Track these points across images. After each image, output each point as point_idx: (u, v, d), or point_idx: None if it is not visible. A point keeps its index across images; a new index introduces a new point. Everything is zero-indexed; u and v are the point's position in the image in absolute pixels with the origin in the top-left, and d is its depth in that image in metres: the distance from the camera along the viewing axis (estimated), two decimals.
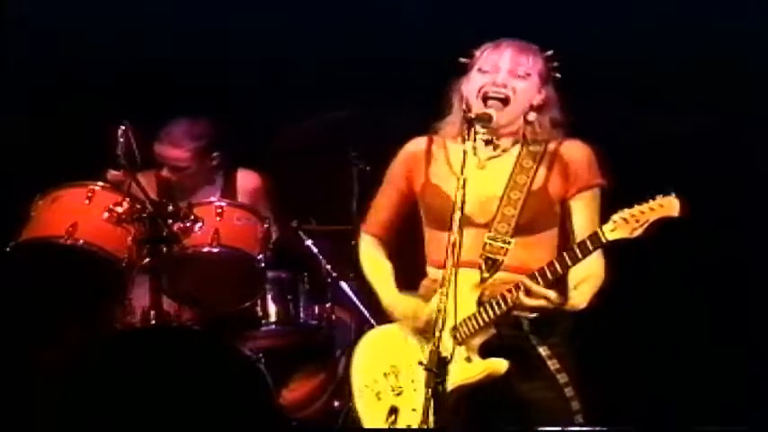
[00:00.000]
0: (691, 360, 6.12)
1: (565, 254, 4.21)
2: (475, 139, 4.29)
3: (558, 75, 4.50)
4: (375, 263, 4.65)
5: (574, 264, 4.20)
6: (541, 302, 4.23)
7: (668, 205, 4.09)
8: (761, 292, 5.99)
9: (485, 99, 4.40)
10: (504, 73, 4.40)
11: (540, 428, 4.30)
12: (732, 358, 6.05)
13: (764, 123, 5.97)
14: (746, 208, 6.02)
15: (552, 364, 4.38)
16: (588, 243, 4.17)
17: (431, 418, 4.04)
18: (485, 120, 4.34)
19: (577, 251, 4.18)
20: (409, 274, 4.65)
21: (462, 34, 4.63)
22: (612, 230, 4.13)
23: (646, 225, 4.09)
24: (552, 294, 4.23)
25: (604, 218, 4.22)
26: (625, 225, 4.11)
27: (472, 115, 4.32)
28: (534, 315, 4.31)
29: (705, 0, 5.94)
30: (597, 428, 4.27)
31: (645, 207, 4.11)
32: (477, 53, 4.48)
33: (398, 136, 5.12)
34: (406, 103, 5.84)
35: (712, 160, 6.04)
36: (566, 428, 4.32)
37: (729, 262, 6.06)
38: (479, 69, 4.43)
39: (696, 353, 6.11)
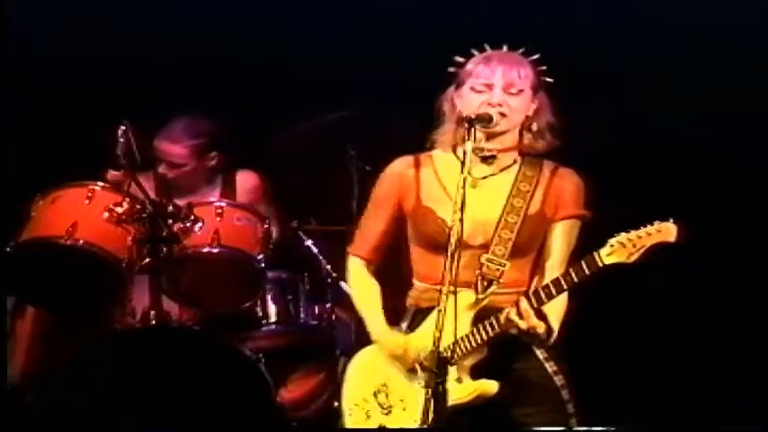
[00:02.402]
0: (694, 362, 6.14)
1: (560, 277, 4.22)
2: (475, 139, 4.28)
3: (548, 79, 4.48)
4: (364, 290, 4.61)
5: (569, 286, 4.21)
6: (523, 325, 4.24)
7: (665, 231, 4.10)
8: (759, 295, 6.00)
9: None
10: (499, 90, 4.37)
11: (553, 428, 4.31)
12: (735, 358, 6.06)
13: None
14: (747, 211, 6.04)
15: (549, 366, 4.38)
16: (584, 266, 4.18)
17: (431, 419, 4.04)
18: (485, 120, 4.33)
19: (573, 274, 4.20)
20: (393, 284, 4.64)
21: (462, 34, 4.63)
22: (609, 254, 4.14)
23: (642, 250, 4.11)
24: (538, 323, 4.24)
25: (596, 243, 4.22)
26: (622, 249, 4.12)
27: (472, 115, 4.31)
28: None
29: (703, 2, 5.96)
30: (608, 428, 4.27)
31: (642, 232, 4.12)
32: (468, 66, 4.43)
33: (399, 136, 5.12)
34: (407, 103, 5.84)
35: (709, 166, 6.07)
36: (576, 429, 4.33)
37: (728, 266, 6.08)
38: (472, 88, 4.39)
39: (699, 354, 6.12)
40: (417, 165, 4.54)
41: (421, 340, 4.35)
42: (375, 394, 4.48)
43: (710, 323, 6.13)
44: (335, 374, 5.98)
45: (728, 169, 6.06)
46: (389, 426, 4.42)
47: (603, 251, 4.14)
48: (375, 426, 4.46)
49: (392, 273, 4.65)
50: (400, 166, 4.56)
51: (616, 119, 6.03)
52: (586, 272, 4.17)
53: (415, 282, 4.52)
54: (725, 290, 6.09)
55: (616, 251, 4.12)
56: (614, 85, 6.03)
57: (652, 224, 4.12)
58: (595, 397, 4.48)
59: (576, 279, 4.18)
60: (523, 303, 4.23)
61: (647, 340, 6.20)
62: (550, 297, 4.22)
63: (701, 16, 5.95)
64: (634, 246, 4.11)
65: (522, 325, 4.24)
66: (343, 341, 5.95)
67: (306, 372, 6.05)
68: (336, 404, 5.78)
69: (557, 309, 4.33)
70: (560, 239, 4.41)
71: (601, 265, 4.14)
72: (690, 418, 6.01)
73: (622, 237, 4.13)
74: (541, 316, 4.26)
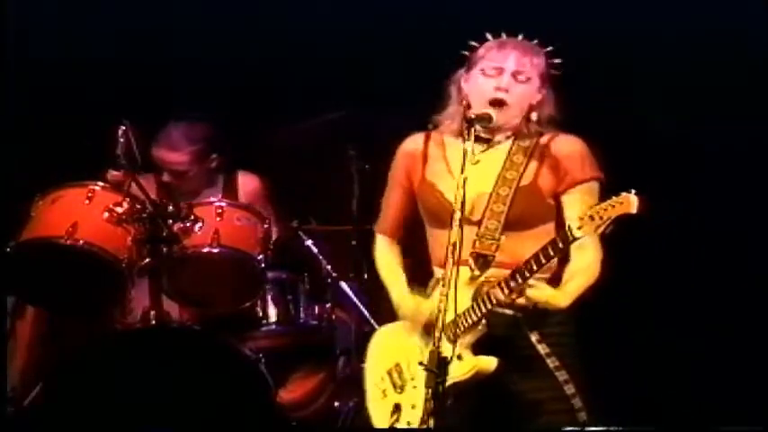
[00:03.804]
0: (700, 357, 6.14)
1: (539, 252, 4.24)
2: (475, 140, 4.30)
3: (556, 72, 4.51)
4: (388, 263, 4.70)
5: (548, 261, 4.23)
6: (506, 299, 4.27)
7: (626, 202, 4.10)
8: (760, 289, 6.01)
9: (487, 102, 4.41)
10: (508, 76, 4.42)
11: (567, 428, 4.32)
12: (742, 355, 6.07)
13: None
14: (746, 204, 6.04)
15: (551, 362, 4.39)
16: (559, 241, 4.21)
17: (431, 419, 4.05)
18: (485, 120, 4.35)
19: (550, 249, 4.22)
20: (420, 271, 4.67)
21: (462, 33, 4.63)
22: (579, 228, 4.15)
23: (608, 222, 4.11)
24: (527, 291, 4.26)
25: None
26: (590, 222, 4.13)
27: (472, 115, 4.32)
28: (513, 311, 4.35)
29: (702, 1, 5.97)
30: (620, 428, 4.27)
31: (606, 204, 4.13)
32: (481, 50, 4.48)
33: (398, 136, 5.13)
34: (406, 102, 5.84)
35: (709, 161, 6.07)
36: (587, 428, 4.34)
37: (730, 260, 6.08)
38: (482, 71, 4.44)
39: (704, 350, 6.13)
40: (426, 141, 4.60)
41: (433, 305, 4.36)
42: (389, 373, 4.52)
43: (711, 323, 6.13)
44: (335, 374, 5.99)
45: (732, 166, 6.08)
46: (403, 403, 4.45)
47: (574, 225, 4.16)
48: (391, 404, 4.49)
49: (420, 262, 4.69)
50: (410, 144, 4.64)
51: (619, 115, 6.04)
52: (561, 246, 4.20)
53: (433, 267, 4.57)
54: (726, 289, 6.09)
55: (585, 225, 4.13)
56: (616, 81, 6.04)
57: (618, 195, 4.13)
58: (596, 396, 4.48)
59: (552, 254, 4.21)
60: (509, 279, 4.26)
61: (647, 340, 6.21)
62: (532, 272, 4.24)
63: (700, 16, 5.96)
64: (601, 218, 4.11)
65: (502, 298, 4.26)
66: (343, 341, 5.95)
67: (305, 372, 6.05)
68: (337, 404, 5.83)
69: (576, 280, 4.35)
70: (573, 208, 4.37)
71: (571, 238, 4.16)
72: (690, 418, 6.02)
73: (590, 210, 4.15)
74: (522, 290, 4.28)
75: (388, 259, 4.70)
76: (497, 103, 4.39)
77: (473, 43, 4.51)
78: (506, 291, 4.26)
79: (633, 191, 4.10)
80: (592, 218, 4.13)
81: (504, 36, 4.51)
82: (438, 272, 4.50)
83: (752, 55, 5.97)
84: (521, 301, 4.29)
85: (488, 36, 4.51)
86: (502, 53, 4.43)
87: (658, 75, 6.09)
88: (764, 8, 5.83)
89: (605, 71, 6.02)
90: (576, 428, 4.35)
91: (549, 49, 4.50)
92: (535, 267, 4.23)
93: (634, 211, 4.09)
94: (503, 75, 4.41)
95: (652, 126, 6.13)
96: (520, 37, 4.51)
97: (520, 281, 4.25)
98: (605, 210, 4.12)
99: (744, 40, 5.97)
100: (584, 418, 4.37)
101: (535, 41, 4.50)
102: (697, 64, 6.01)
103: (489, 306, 4.30)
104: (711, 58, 5.98)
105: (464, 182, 4.16)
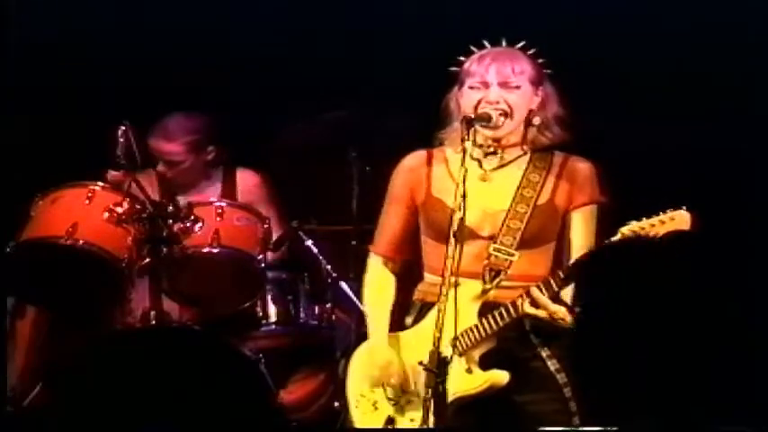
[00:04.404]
0: (691, 362, 6.14)
1: (571, 265, 4.23)
2: (475, 140, 4.29)
3: (549, 71, 4.49)
4: (375, 291, 4.62)
5: (579, 276, 4.20)
6: (543, 314, 4.24)
7: (679, 219, 4.08)
8: (760, 295, 6.00)
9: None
10: (495, 88, 4.39)
11: (553, 429, 4.31)
12: (734, 359, 6.07)
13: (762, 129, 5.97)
14: (747, 213, 6.04)
15: (552, 364, 4.39)
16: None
17: (431, 419, 4.04)
18: (484, 119, 4.34)
19: (583, 264, 4.20)
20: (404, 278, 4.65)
21: (462, 33, 4.63)
22: None
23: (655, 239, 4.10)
24: (557, 309, 4.24)
25: (605, 232, 4.22)
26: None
27: (471, 115, 4.32)
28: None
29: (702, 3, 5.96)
30: (608, 428, 4.27)
31: (655, 220, 4.10)
32: (466, 65, 4.46)
33: (399, 136, 5.12)
34: (407, 103, 5.84)
35: (709, 168, 6.06)
36: (584, 428, 4.33)
37: (731, 268, 6.08)
38: (470, 87, 4.42)
39: (696, 355, 6.12)
40: (429, 159, 4.56)
41: (419, 339, 4.36)
42: (382, 385, 4.47)
43: (711, 323, 6.13)
44: (335, 375, 5.98)
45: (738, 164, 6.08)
46: (398, 417, 4.42)
47: (615, 240, 4.14)
48: (383, 417, 4.44)
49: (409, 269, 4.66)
50: (412, 160, 4.59)
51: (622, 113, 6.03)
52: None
53: (426, 274, 4.53)
54: (727, 289, 6.09)
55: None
56: (617, 79, 6.03)
57: (665, 212, 4.11)
58: (595, 396, 4.48)
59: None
60: (535, 292, 4.23)
61: (647, 339, 6.20)
62: (561, 286, 4.23)
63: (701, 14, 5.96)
64: (647, 234, 4.10)
65: (542, 314, 4.24)
66: (343, 341, 5.94)
67: (305, 373, 6.05)
68: (337, 404, 5.82)
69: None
70: (579, 228, 4.39)
71: None
72: (690, 417, 6.02)
73: (634, 225, 4.12)
74: (560, 302, 4.26)
75: (376, 288, 4.61)
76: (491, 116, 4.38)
77: (461, 58, 4.49)
78: (533, 302, 4.23)
79: (684, 207, 4.07)
80: (635, 233, 4.11)
81: (488, 46, 4.48)
82: (430, 278, 4.48)
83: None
84: (541, 314, 4.25)
85: (473, 49, 4.48)
86: (482, 66, 4.40)
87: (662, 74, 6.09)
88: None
89: (605, 71, 6.02)
90: (573, 428, 4.35)
91: (533, 51, 4.47)
92: (566, 281, 4.22)
93: (688, 227, 4.07)
94: (489, 88, 4.39)
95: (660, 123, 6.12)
96: (504, 44, 4.49)
97: (546, 294, 4.23)
98: (654, 226, 4.09)
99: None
100: (577, 423, 4.37)
101: (519, 45, 4.47)
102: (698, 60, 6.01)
103: (507, 318, 4.28)
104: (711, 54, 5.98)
105: (463, 180, 4.14)
